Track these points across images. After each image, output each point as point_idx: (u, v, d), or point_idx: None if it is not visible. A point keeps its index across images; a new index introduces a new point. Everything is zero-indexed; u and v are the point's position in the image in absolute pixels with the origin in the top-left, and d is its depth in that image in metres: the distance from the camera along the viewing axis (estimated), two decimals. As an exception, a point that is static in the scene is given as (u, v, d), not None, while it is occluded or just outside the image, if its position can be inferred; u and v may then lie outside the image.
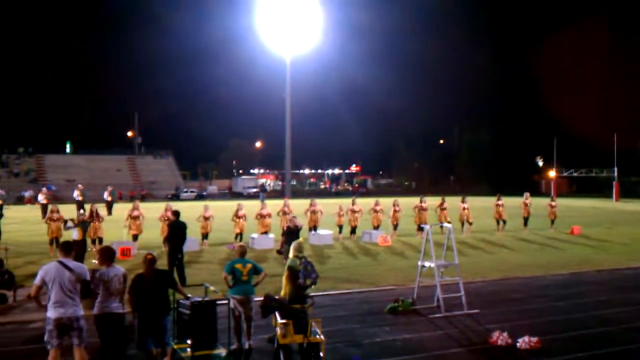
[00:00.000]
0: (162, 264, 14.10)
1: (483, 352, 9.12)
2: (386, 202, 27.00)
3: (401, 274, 15.65)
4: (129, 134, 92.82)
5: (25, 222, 32.16)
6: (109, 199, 37.46)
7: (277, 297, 9.27)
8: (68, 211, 22.38)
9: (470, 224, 25.56)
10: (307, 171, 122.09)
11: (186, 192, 72.71)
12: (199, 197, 71.01)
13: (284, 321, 8.17)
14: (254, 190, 77.26)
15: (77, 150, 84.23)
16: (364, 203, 26.96)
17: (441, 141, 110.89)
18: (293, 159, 68.19)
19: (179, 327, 8.75)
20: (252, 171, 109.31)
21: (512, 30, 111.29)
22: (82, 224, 16.43)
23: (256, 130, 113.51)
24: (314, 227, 22.97)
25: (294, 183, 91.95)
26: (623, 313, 11.56)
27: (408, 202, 30.62)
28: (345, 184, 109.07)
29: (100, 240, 19.18)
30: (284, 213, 22.21)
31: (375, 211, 24.12)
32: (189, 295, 8.65)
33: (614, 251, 20.63)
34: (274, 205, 23.98)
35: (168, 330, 8.19)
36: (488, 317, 11.10)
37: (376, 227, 23.77)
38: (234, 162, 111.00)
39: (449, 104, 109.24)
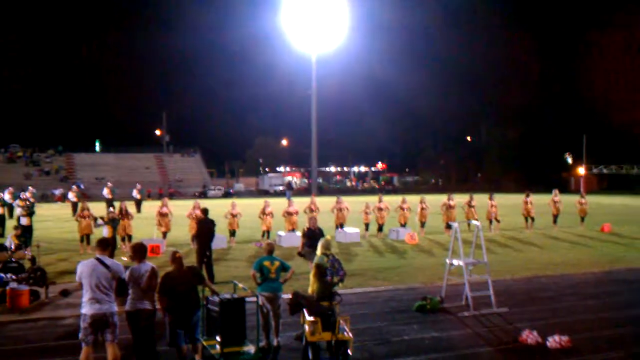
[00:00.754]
0: (191, 261, 14.28)
1: (513, 351, 9.05)
2: (413, 199, 26.90)
3: (429, 271, 15.58)
4: (157, 132, 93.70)
5: (56, 219, 32.67)
6: (138, 196, 37.90)
7: (305, 294, 9.32)
8: (98, 209, 22.69)
9: (499, 221, 25.34)
10: (333, 169, 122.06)
11: (213, 189, 73.22)
12: (226, 194, 71.45)
13: (312, 318, 8.19)
14: (281, 187, 77.50)
15: (106, 148, 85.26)
16: (391, 200, 26.88)
17: (468, 138, 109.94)
18: (319, 157, 68.37)
19: (208, 323, 8.82)
20: (278, 169, 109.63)
21: (541, 25, 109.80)
22: (112, 222, 16.63)
23: (282, 128, 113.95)
24: (340, 225, 22.99)
25: (320, 180, 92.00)
26: (655, 312, 11.38)
27: (435, 200, 30.51)
28: (372, 182, 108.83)
29: (130, 237, 19.41)
30: (311, 210, 22.28)
31: (402, 209, 24.02)
32: (218, 291, 8.71)
33: (646, 249, 20.30)
34: (300, 203, 24.03)
35: (198, 327, 8.26)
36: (517, 316, 10.99)
37: (403, 225, 23.69)
38: (260, 159, 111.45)
39: (477, 100, 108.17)
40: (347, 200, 24.57)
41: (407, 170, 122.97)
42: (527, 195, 25.99)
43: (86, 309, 7.25)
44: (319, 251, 9.34)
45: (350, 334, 8.27)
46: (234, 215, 21.30)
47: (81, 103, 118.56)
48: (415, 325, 10.37)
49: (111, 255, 14.12)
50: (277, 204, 26.26)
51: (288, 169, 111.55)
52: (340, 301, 9.05)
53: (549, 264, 16.92)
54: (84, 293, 7.32)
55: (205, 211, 15.23)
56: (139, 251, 7.86)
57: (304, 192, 72.92)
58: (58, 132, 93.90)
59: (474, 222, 13.12)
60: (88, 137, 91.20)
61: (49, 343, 9.48)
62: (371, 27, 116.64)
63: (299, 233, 21.39)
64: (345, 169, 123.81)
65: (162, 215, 20.60)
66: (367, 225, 23.65)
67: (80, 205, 20.73)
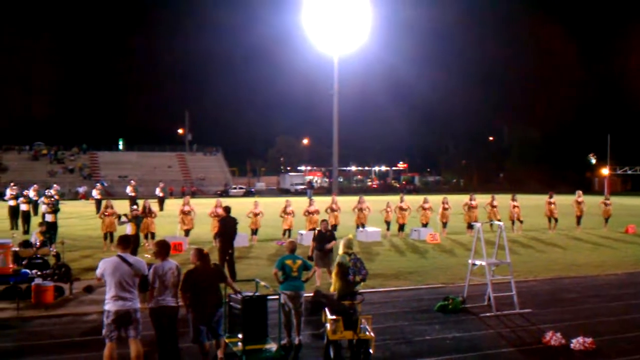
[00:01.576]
0: (213, 258, 14.31)
1: (536, 352, 8.98)
2: (434, 199, 26.79)
3: (450, 271, 15.53)
4: (180, 131, 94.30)
5: (80, 217, 33.03)
6: (161, 194, 38.19)
7: (326, 293, 9.34)
8: (121, 206, 22.89)
9: (521, 222, 25.15)
10: (354, 168, 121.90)
11: (235, 188, 73.53)
12: (248, 193, 71.71)
13: (333, 317, 8.21)
14: (302, 187, 77.61)
15: (130, 147, 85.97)
16: (412, 200, 26.80)
17: (490, 138, 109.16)
18: (340, 156, 68.31)
19: (230, 321, 8.88)
20: (299, 168, 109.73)
21: (565, 25, 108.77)
22: (135, 219, 16.76)
23: (304, 127, 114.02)
24: (361, 224, 22.99)
25: (341, 180, 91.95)
26: (681, 315, 11.22)
27: (457, 200, 30.34)
28: (393, 181, 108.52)
29: (153, 235, 19.57)
30: (332, 210, 22.34)
31: (424, 208, 23.95)
32: (239, 290, 8.76)
33: (672, 251, 20.01)
34: (321, 202, 24.05)
35: (221, 324, 8.30)
36: (540, 317, 10.91)
37: (425, 225, 23.61)
38: (281, 158, 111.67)
39: (499, 100, 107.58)
40: (369, 200, 24.53)
41: (428, 170, 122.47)
42: (550, 196, 25.76)
43: (109, 306, 7.33)
44: (341, 250, 9.35)
45: (372, 333, 8.27)
46: (255, 214, 21.39)
47: (105, 102, 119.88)
48: (437, 325, 10.34)
49: (134, 253, 14.28)
50: (298, 203, 26.31)
51: (309, 168, 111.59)
52: (362, 300, 9.05)
53: (572, 265, 16.77)
54: (107, 290, 7.40)
55: (227, 209, 15.30)
56: (163, 248, 7.92)
57: (325, 191, 72.97)
58: (82, 130, 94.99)
59: (496, 222, 13.04)
60: (112, 135, 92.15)
61: (73, 339, 9.59)
62: (393, 27, 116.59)
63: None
64: (366, 168, 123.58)
65: (185, 213, 20.74)
66: (388, 224, 23.61)
67: (104, 203, 20.94)
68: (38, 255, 13.29)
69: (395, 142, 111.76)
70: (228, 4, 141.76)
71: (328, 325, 8.23)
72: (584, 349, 8.88)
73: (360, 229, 22.67)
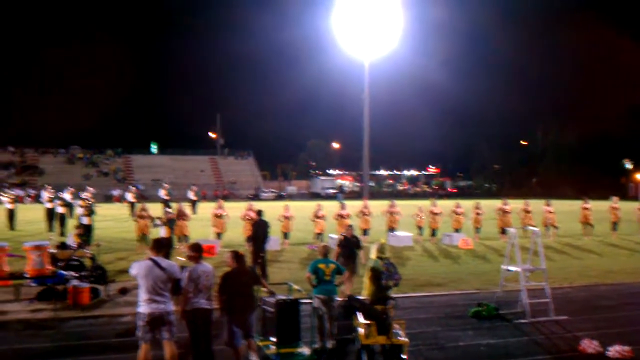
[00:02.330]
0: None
1: (572, 359, 8.85)
2: (466, 204, 26.56)
3: (484, 277, 15.37)
4: (212, 135, 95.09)
5: (115, 219, 33.50)
6: (194, 198, 38.54)
7: (359, 297, 9.32)
8: (154, 209, 23.16)
9: (556, 228, 24.80)
10: (384, 172, 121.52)
11: (266, 192, 73.86)
12: (279, 197, 71.96)
13: (366, 322, 8.19)
14: (332, 191, 77.61)
15: (163, 150, 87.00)
16: (444, 205, 26.62)
17: (523, 142, 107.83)
18: (370, 160, 68.01)
19: (263, 324, 8.92)
20: (329, 172, 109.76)
21: (601, 27, 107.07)
22: (169, 222, 16.95)
23: (334, 131, 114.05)
24: (392, 229, 22.91)
25: (372, 184, 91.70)
26: None
27: (490, 205, 30.05)
28: (424, 186, 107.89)
29: (186, 238, 19.75)
30: (364, 214, 22.31)
31: (456, 213, 23.77)
32: (274, 291, 8.79)
33: None
34: (352, 206, 24.03)
35: (253, 326, 8.33)
36: (576, 324, 10.74)
37: (457, 230, 23.42)
38: (312, 163, 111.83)
39: (532, 104, 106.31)
40: (400, 205, 24.43)
41: (459, 174, 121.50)
42: (585, 202, 25.37)
43: (143, 308, 7.40)
44: (373, 255, 9.33)
45: (406, 338, 8.23)
46: (287, 218, 21.46)
47: (139, 106, 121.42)
48: (471, 332, 10.25)
49: (167, 256, 14.42)
50: (329, 207, 26.32)
51: (339, 172, 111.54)
52: (394, 305, 9.02)
53: (608, 272, 16.47)
54: (141, 293, 7.47)
55: (259, 213, 15.39)
56: (197, 251, 7.98)
57: (355, 195, 72.83)
58: (116, 134, 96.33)
59: (531, 228, 12.88)
60: (145, 139, 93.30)
61: (108, 340, 9.72)
62: (425, 29, 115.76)
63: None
64: (397, 172, 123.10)
65: (217, 216, 20.90)
66: (420, 229, 23.48)
67: (138, 205, 21.25)
68: (74, 257, 13.47)
69: (427, 146, 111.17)
70: (259, 8, 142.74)
71: (361, 330, 8.22)
72: (622, 357, 8.71)
73: (392, 233, 22.59)
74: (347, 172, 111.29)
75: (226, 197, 64.74)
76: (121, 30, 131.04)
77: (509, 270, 11.63)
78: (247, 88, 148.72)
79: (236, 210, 24.59)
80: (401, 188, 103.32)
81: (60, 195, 26.65)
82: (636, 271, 16.69)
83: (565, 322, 10.90)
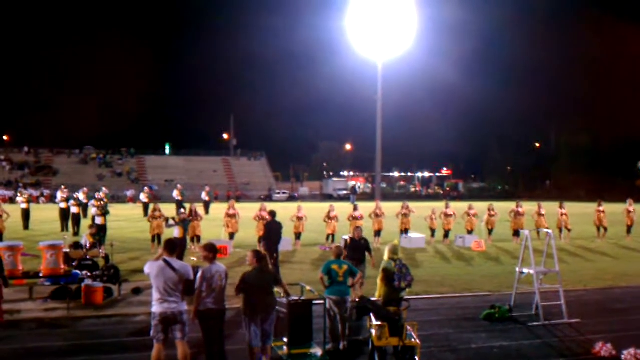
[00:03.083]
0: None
1: (585, 363, 8.80)
2: (479, 206, 26.46)
3: (496, 280, 15.30)
4: (225, 136, 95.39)
5: (128, 219, 33.66)
6: (207, 198, 38.66)
7: (371, 299, 9.31)
8: (168, 210, 23.27)
9: (569, 230, 24.65)
10: (397, 174, 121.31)
11: (278, 193, 73.96)
12: (291, 198, 72.02)
13: (379, 323, 8.18)
14: (344, 192, 77.56)
15: (176, 151, 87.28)
16: (457, 207, 26.53)
17: (537, 145, 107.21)
18: (383, 162, 67.94)
19: (275, 325, 8.91)
20: (342, 173, 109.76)
21: (616, 28, 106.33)
22: (183, 222, 17.00)
23: (347, 133, 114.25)
24: (405, 230, 22.86)
25: (384, 186, 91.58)
26: None
27: (503, 207, 29.91)
28: (436, 187, 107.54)
29: (199, 238, 19.83)
30: (377, 215, 22.30)
31: (469, 215, 23.68)
32: (290, 293, 8.80)
33: None
34: (364, 208, 24.00)
35: (272, 330, 8.20)
36: (590, 327, 10.66)
37: (470, 232, 23.34)
38: (324, 164, 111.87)
39: (546, 106, 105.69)
40: (412, 206, 24.37)
41: (472, 176, 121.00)
42: (600, 204, 25.20)
43: (156, 308, 7.44)
44: (386, 256, 9.34)
45: (418, 340, 8.21)
46: (299, 219, 21.48)
47: (153, 108, 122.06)
48: (483, 334, 10.20)
49: (181, 256, 14.50)
50: (341, 209, 26.31)
51: (352, 173, 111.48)
52: (407, 307, 9.00)
53: (622, 275, 16.34)
54: (153, 293, 7.51)
55: (272, 213, 15.42)
56: (211, 252, 7.98)
57: (367, 197, 72.77)
58: (130, 135, 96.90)
59: (545, 230, 12.81)
60: (159, 140, 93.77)
61: (122, 339, 9.78)
62: (438, 30, 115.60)
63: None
64: (409, 174, 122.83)
65: (230, 217, 20.95)
66: (433, 231, 23.42)
67: (152, 206, 21.33)
68: (88, 257, 13.57)
69: (439, 147, 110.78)
70: (272, 10, 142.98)
71: (373, 331, 8.21)
72: (637, 361, 8.64)
73: (404, 235, 22.54)
74: (359, 174, 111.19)
75: (239, 198, 64.91)
76: (136, 31, 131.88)
77: (522, 272, 11.57)
78: (261, 89, 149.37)
79: (248, 211, 24.67)
80: (413, 190, 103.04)
81: (75, 196, 26.83)
82: (651, 274, 16.55)
83: (579, 325, 10.83)
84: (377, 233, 22.18)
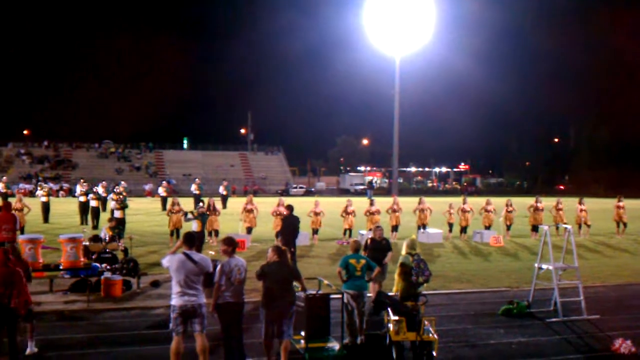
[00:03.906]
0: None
1: (604, 359, 8.73)
2: (497, 201, 26.32)
3: (514, 275, 15.23)
4: (242, 130, 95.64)
5: (147, 213, 33.90)
6: (224, 193, 38.79)
7: (388, 294, 9.31)
8: (185, 204, 23.39)
9: (589, 226, 24.45)
10: (414, 169, 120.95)
11: (295, 187, 74.07)
12: (308, 193, 72.08)
13: (396, 318, 8.18)
14: (361, 187, 77.49)
15: (194, 146, 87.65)
16: (475, 202, 26.41)
17: (555, 140, 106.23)
18: (400, 157, 67.84)
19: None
20: (359, 168, 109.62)
21: (637, 22, 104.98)
22: (201, 216, 17.09)
23: (364, 128, 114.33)
24: (422, 226, 22.79)
25: (401, 181, 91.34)
26: None
27: (521, 202, 29.73)
28: (454, 183, 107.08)
29: (217, 232, 19.91)
30: (394, 211, 22.25)
31: (487, 211, 23.55)
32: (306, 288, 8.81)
33: None
34: (381, 203, 23.97)
35: (290, 326, 8.16)
36: (609, 324, 10.58)
37: (488, 227, 23.22)
38: (341, 159, 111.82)
39: (565, 100, 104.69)
40: (429, 201, 24.31)
41: (490, 171, 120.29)
42: (619, 200, 24.97)
43: (175, 301, 7.48)
44: (404, 251, 9.32)
45: (436, 335, 8.20)
46: (316, 213, 21.48)
47: (170, 103, 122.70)
48: (502, 330, 10.17)
49: (199, 250, 14.57)
50: (358, 203, 26.29)
51: (369, 168, 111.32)
52: (425, 302, 8.98)
53: (643, 272, 16.19)
54: (173, 286, 7.55)
55: (290, 208, 15.45)
56: (230, 245, 8.00)
57: (384, 192, 72.63)
58: (149, 129, 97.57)
59: (564, 225, 12.72)
60: (177, 134, 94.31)
61: (141, 332, 9.87)
62: (456, 24, 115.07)
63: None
64: (427, 169, 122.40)
65: (248, 211, 21.00)
66: (450, 226, 23.33)
67: (170, 200, 21.45)
68: (107, 250, 13.69)
69: (457, 142, 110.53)
70: (290, 5, 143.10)
71: (391, 326, 8.21)
72: (657, 358, 8.57)
73: (422, 230, 22.48)
74: (376, 169, 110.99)
75: (256, 192, 65.08)
76: (156, 29, 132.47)
77: (541, 268, 11.50)
78: (278, 85, 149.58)
79: (266, 206, 24.75)
80: (431, 185, 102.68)
81: (94, 189, 27.05)
82: (672, 271, 16.38)
83: (598, 322, 10.76)
84: (395, 228, 22.15)
